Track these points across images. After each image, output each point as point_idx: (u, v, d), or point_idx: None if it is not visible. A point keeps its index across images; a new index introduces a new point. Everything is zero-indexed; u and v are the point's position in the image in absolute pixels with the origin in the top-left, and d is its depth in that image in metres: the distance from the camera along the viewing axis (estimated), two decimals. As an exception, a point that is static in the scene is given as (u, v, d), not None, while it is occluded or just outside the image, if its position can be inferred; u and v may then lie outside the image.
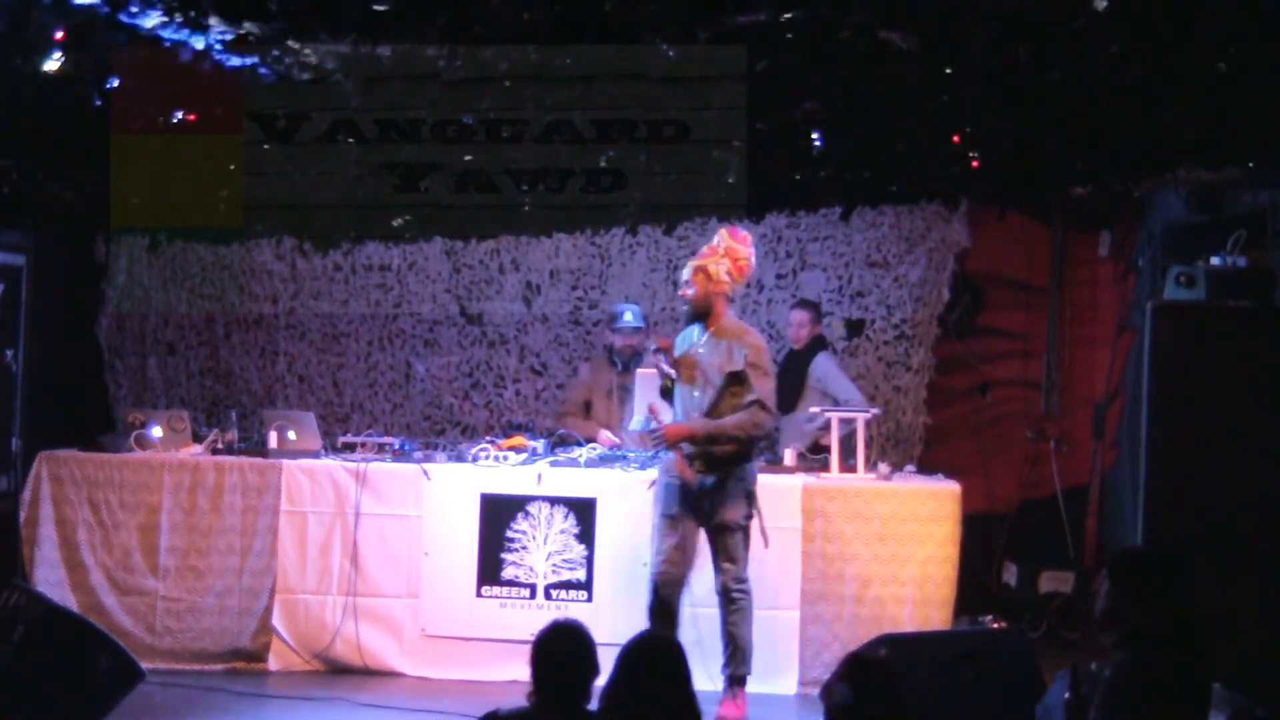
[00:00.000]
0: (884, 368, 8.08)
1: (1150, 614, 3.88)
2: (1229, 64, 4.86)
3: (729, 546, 5.78)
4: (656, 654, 3.59)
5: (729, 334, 5.80)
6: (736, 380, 5.72)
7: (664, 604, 5.80)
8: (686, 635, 6.33)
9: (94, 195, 7.26)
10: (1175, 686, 3.77)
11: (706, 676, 6.37)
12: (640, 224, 8.14)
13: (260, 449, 6.76)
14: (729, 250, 5.79)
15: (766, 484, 6.53)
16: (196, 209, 7.60)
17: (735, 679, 5.86)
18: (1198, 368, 5.75)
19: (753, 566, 6.44)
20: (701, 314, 5.84)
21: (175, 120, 6.06)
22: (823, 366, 7.32)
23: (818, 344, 7.42)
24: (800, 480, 6.53)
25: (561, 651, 3.72)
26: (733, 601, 5.81)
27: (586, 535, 6.47)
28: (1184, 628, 3.83)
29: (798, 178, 7.33)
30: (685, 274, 5.85)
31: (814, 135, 6.41)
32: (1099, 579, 4.12)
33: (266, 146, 6.22)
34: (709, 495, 5.77)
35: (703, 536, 5.87)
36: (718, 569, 5.82)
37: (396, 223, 7.88)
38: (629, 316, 7.27)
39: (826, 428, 6.78)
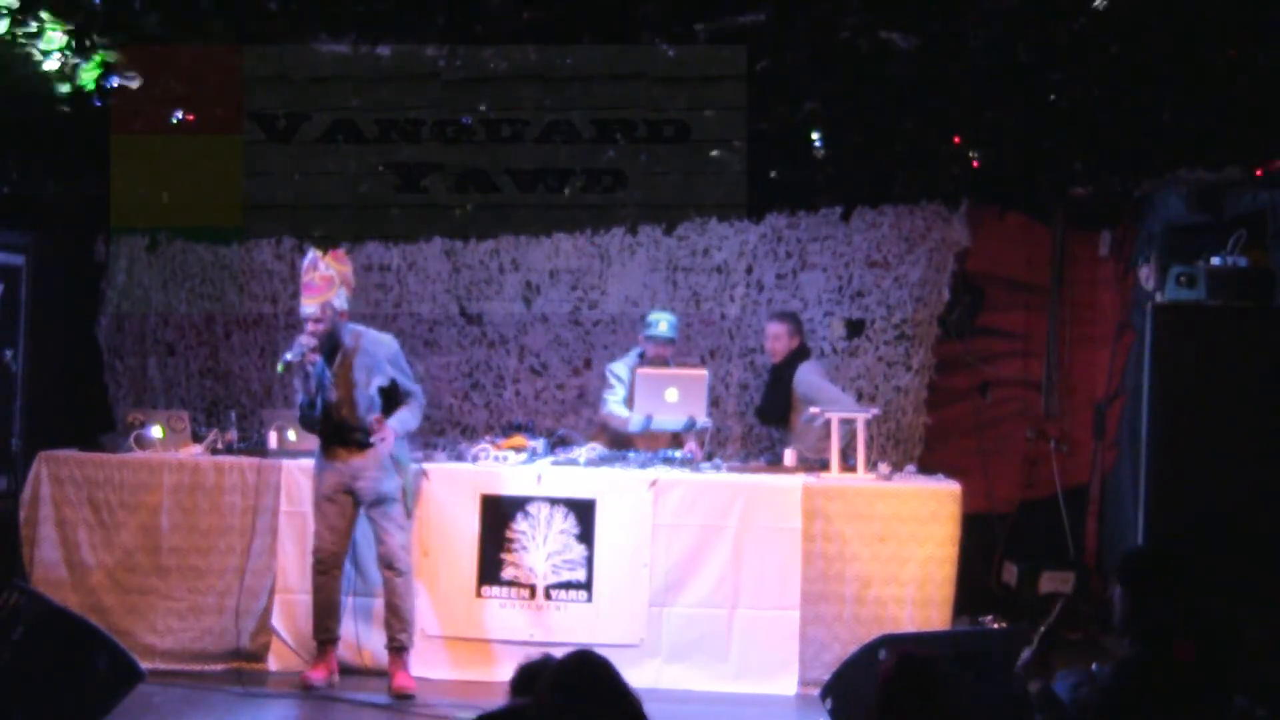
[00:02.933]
0: (884, 368, 8.08)
1: (1162, 612, 3.90)
2: (1229, 64, 4.86)
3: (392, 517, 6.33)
4: (591, 674, 3.47)
5: (366, 355, 6.33)
6: (392, 388, 6.37)
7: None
8: (687, 634, 6.36)
9: (94, 195, 7.25)
10: (1191, 684, 3.79)
11: (713, 676, 6.41)
12: (640, 224, 8.13)
13: (260, 449, 6.76)
14: (343, 277, 6.36)
15: (767, 484, 6.55)
16: (196, 209, 7.59)
17: (402, 648, 6.26)
18: (1198, 368, 5.75)
19: (753, 567, 6.47)
20: (335, 343, 6.31)
21: (175, 120, 6.06)
22: (805, 380, 7.24)
23: (798, 355, 7.38)
24: (800, 480, 6.54)
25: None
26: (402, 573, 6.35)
27: (586, 535, 6.48)
28: (1198, 624, 3.84)
29: (798, 178, 7.32)
30: (312, 310, 6.23)
31: (814, 135, 6.40)
32: (1110, 585, 4.13)
33: (266, 149, 6.22)
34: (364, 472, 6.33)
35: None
36: (380, 541, 6.31)
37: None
38: (664, 327, 7.25)
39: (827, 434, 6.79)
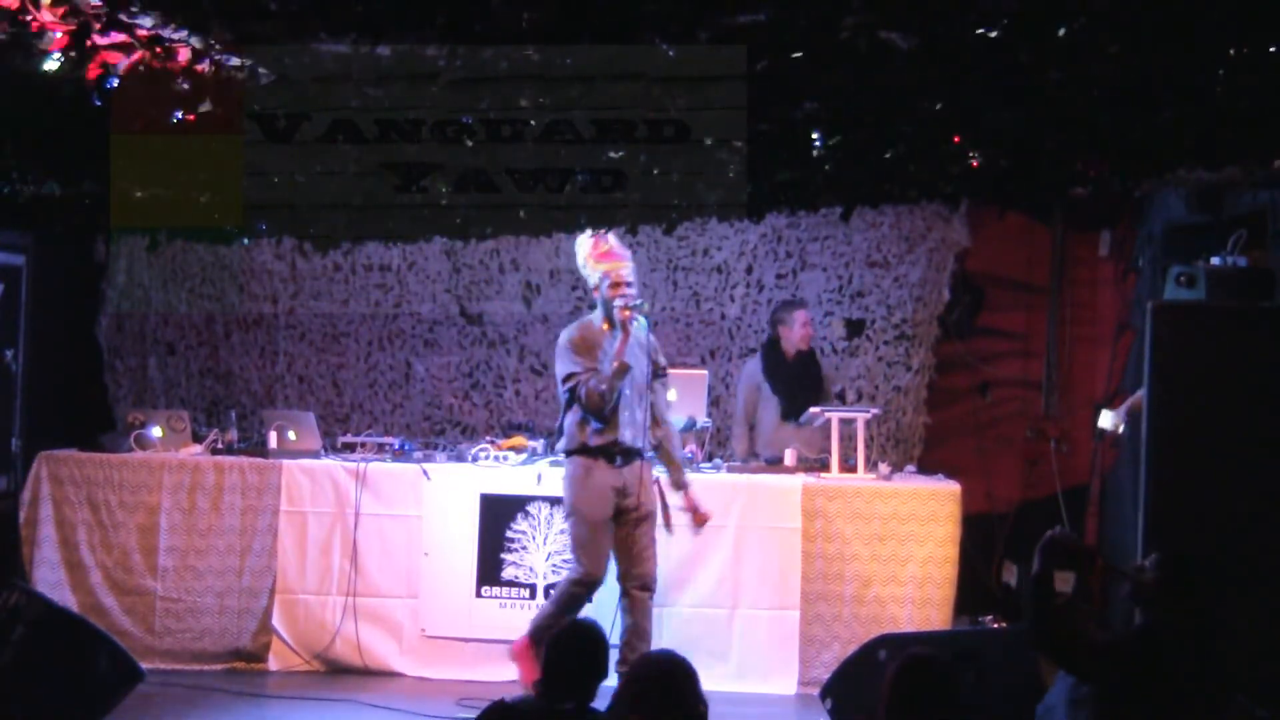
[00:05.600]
0: (884, 368, 8.08)
1: (1181, 616, 3.92)
2: (1228, 64, 4.85)
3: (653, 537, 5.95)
4: (671, 674, 3.54)
5: (639, 349, 5.92)
6: None
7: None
8: (687, 634, 6.35)
9: (94, 195, 7.26)
10: (1190, 680, 3.82)
11: (713, 676, 6.37)
12: (640, 224, 8.13)
13: (260, 449, 6.77)
14: None
15: (767, 484, 6.55)
16: (196, 209, 7.59)
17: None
18: (1198, 368, 5.74)
19: (753, 567, 6.48)
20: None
21: (175, 120, 6.05)
22: (828, 368, 7.31)
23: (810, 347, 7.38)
24: (800, 480, 6.54)
25: (578, 647, 3.76)
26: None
27: (586, 535, 6.47)
28: (1206, 634, 3.86)
29: (798, 178, 7.32)
30: (630, 273, 5.91)
31: (814, 135, 6.40)
32: (1146, 559, 4.13)
33: (266, 149, 6.22)
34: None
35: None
36: (639, 560, 5.88)
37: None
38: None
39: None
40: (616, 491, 5.82)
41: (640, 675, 3.51)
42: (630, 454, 5.85)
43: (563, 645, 3.83)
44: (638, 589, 5.86)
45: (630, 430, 5.84)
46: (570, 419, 5.88)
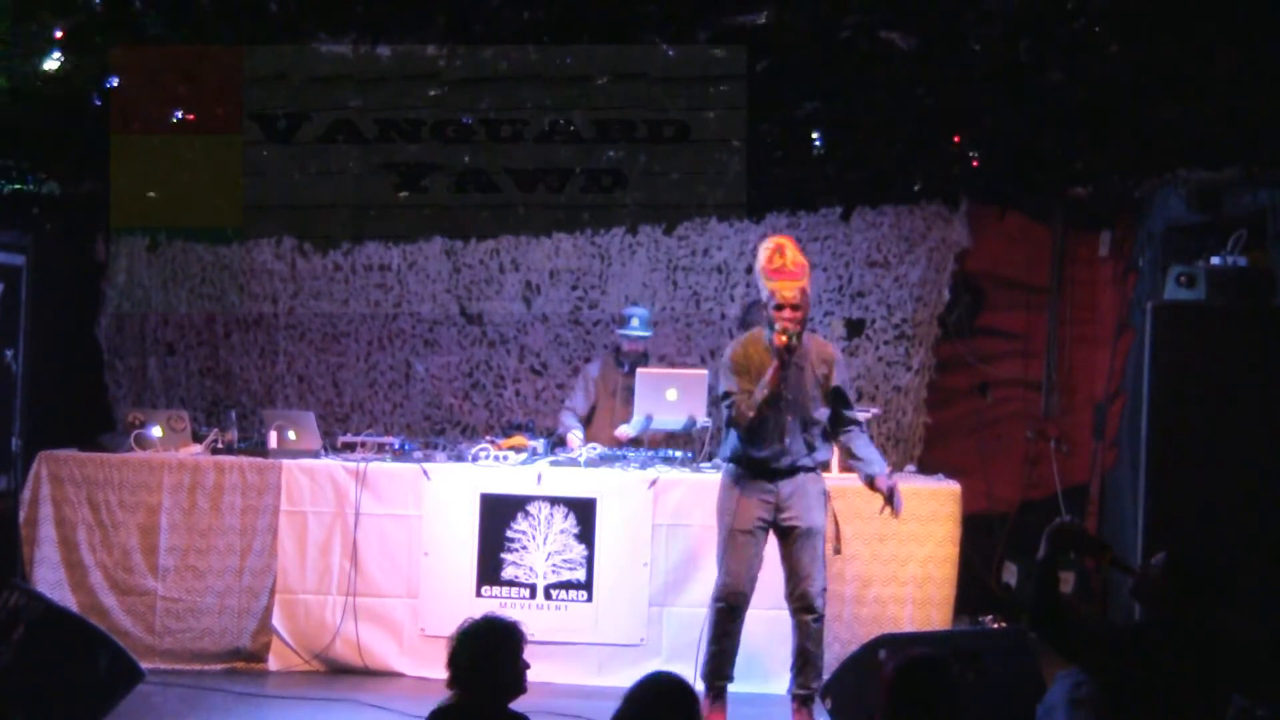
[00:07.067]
0: (884, 368, 8.08)
1: (1184, 615, 3.93)
2: (1229, 64, 4.85)
3: (819, 554, 5.71)
4: (673, 697, 3.46)
5: (819, 362, 5.72)
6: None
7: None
8: (686, 635, 6.36)
9: (94, 195, 7.27)
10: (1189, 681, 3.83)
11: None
12: (640, 224, 8.14)
13: (260, 449, 6.76)
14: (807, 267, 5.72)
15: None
16: (196, 209, 7.60)
17: (810, 698, 5.75)
18: (1198, 368, 5.75)
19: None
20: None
21: (175, 120, 6.06)
22: None
23: None
24: (800, 480, 6.53)
25: (481, 644, 3.69)
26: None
27: (586, 535, 6.48)
28: (1206, 634, 3.87)
29: (798, 178, 7.33)
30: (793, 295, 5.54)
31: (814, 135, 6.40)
32: (1153, 558, 4.13)
33: (266, 149, 6.23)
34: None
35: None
36: (801, 579, 5.68)
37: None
38: (635, 322, 7.28)
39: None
40: (768, 505, 5.65)
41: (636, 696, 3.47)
42: (788, 472, 5.69)
43: (467, 644, 3.72)
44: (800, 610, 5.66)
45: (789, 456, 5.67)
46: (732, 432, 5.75)
